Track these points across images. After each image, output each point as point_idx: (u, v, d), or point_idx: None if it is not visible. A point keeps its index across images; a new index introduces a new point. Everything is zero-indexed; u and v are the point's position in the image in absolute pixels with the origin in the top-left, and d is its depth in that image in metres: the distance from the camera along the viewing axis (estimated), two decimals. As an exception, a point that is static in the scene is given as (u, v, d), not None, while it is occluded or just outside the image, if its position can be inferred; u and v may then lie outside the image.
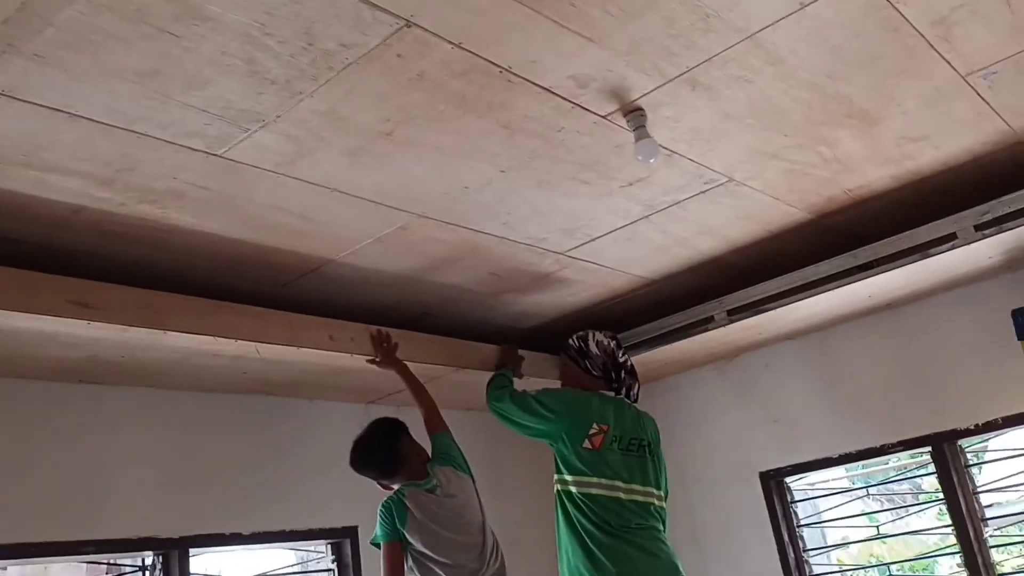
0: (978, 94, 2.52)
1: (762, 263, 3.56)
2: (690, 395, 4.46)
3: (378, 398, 3.91)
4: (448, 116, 2.23)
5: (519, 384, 3.65)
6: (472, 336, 3.74)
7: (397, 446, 3.12)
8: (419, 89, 2.10)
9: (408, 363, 3.33)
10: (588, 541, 3.08)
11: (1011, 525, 3.74)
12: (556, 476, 3.21)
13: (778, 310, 3.57)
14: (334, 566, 3.72)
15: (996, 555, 3.61)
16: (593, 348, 3.34)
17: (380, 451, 3.13)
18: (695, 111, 2.39)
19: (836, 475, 4.37)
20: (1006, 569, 3.64)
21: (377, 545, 2.97)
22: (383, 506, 3.00)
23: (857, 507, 4.22)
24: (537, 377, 3.93)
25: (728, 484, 4.26)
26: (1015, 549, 3.68)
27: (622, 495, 3.12)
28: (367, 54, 1.94)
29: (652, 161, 2.39)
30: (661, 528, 3.18)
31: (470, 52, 1.99)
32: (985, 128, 2.73)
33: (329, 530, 3.68)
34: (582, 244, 3.17)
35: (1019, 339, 3.31)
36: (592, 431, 3.16)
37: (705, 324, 3.74)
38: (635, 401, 3.32)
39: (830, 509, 4.24)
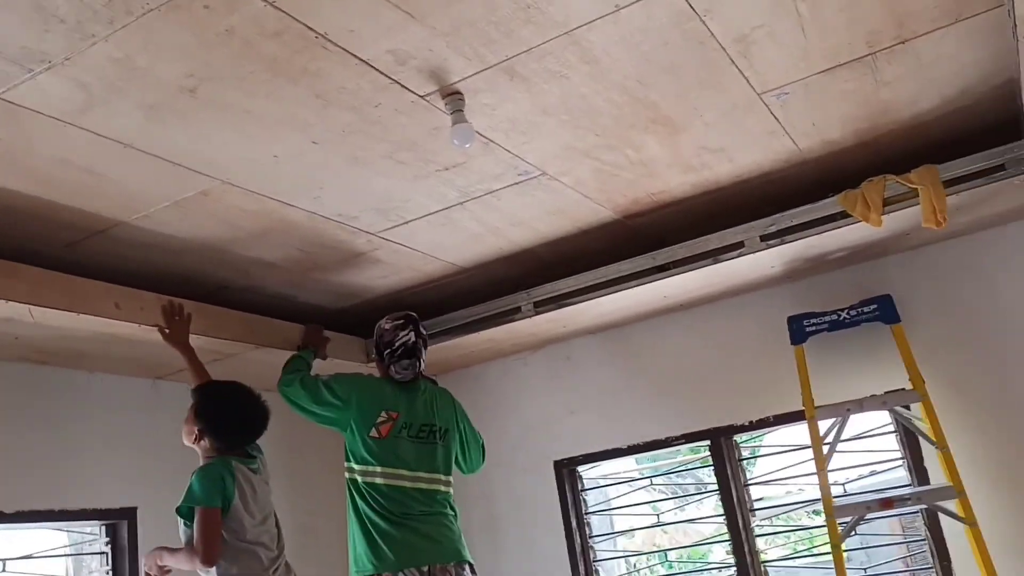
0: (771, 112, 2.70)
1: (570, 258, 3.67)
2: (496, 384, 4.53)
3: (168, 374, 3.70)
4: (259, 78, 2.13)
5: (322, 367, 3.57)
6: (275, 314, 3.61)
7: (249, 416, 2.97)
8: (227, 46, 1.99)
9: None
10: (372, 530, 3.09)
11: (776, 516, 4.05)
12: (345, 465, 3.19)
13: (582, 304, 3.68)
14: (108, 549, 3.49)
15: (761, 543, 3.91)
16: (376, 332, 3.33)
17: (240, 410, 2.97)
18: (512, 101, 2.41)
19: (630, 466, 4.59)
20: (769, 557, 3.95)
21: (185, 513, 2.73)
22: (210, 470, 2.79)
23: (643, 497, 4.44)
24: (344, 360, 3.86)
25: (525, 472, 4.37)
26: (778, 539, 4.01)
27: (406, 483, 3.14)
28: (170, 2, 1.81)
29: (468, 146, 2.40)
30: (448, 513, 3.21)
31: (284, 13, 1.91)
32: (775, 145, 2.94)
33: (104, 511, 3.44)
34: (396, 226, 3.14)
35: (792, 344, 3.59)
36: (380, 419, 3.17)
37: (512, 315, 3.80)
38: (416, 377, 3.31)
39: (618, 497, 4.45)
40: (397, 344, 3.27)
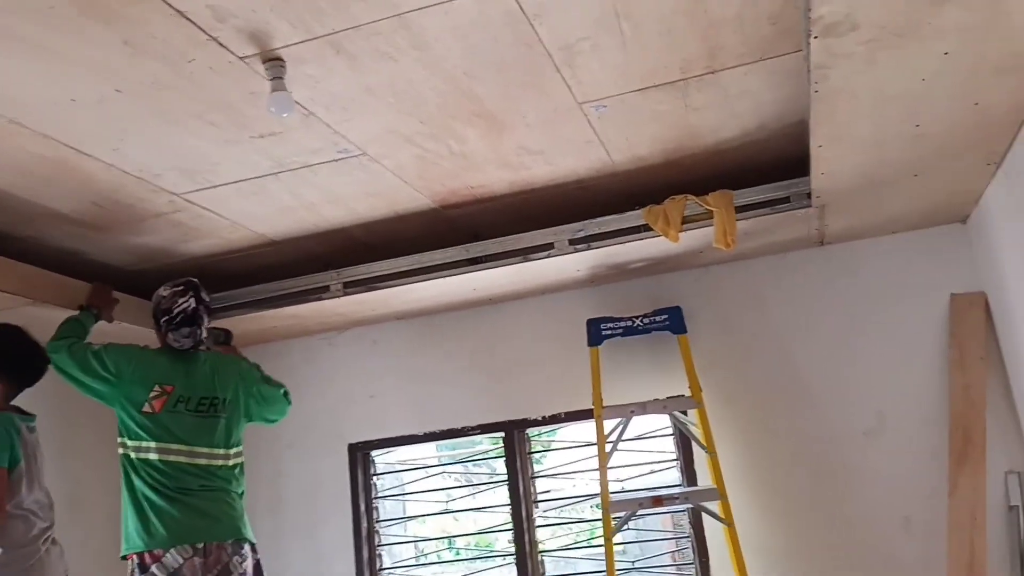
0: (589, 123, 2.81)
1: (384, 241, 3.65)
2: (297, 363, 4.43)
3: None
4: (62, 14, 1.97)
5: (109, 330, 3.37)
6: (62, 269, 3.35)
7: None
8: (27, -27, 1.83)
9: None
10: (144, 505, 2.99)
11: (558, 508, 4.22)
12: (118, 440, 3.06)
13: (392, 289, 3.68)
14: None
15: (541, 534, 4.07)
16: (154, 299, 3.22)
17: (23, 347, 2.71)
18: (337, 77, 2.37)
19: (429, 453, 4.63)
20: (548, 547, 4.10)
21: None
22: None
23: (437, 484, 4.48)
24: (136, 325, 3.64)
25: (318, 454, 4.31)
26: (559, 529, 4.18)
27: (183, 459, 3.05)
28: (-37, -86, 1.65)
29: (286, 116, 2.34)
30: (231, 489, 3.13)
31: (96, -52, 1.78)
32: (590, 155, 3.06)
33: None
34: (202, 189, 3.00)
35: (589, 346, 3.75)
36: (153, 393, 3.06)
37: (320, 293, 3.74)
38: (196, 346, 3.21)
39: (413, 482, 4.47)
40: (176, 311, 3.16)
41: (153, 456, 3.02)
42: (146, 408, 3.03)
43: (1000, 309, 3.36)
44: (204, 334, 3.24)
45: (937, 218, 3.55)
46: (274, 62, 2.24)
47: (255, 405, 3.30)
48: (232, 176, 2.93)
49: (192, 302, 3.17)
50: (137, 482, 3.02)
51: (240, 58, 2.22)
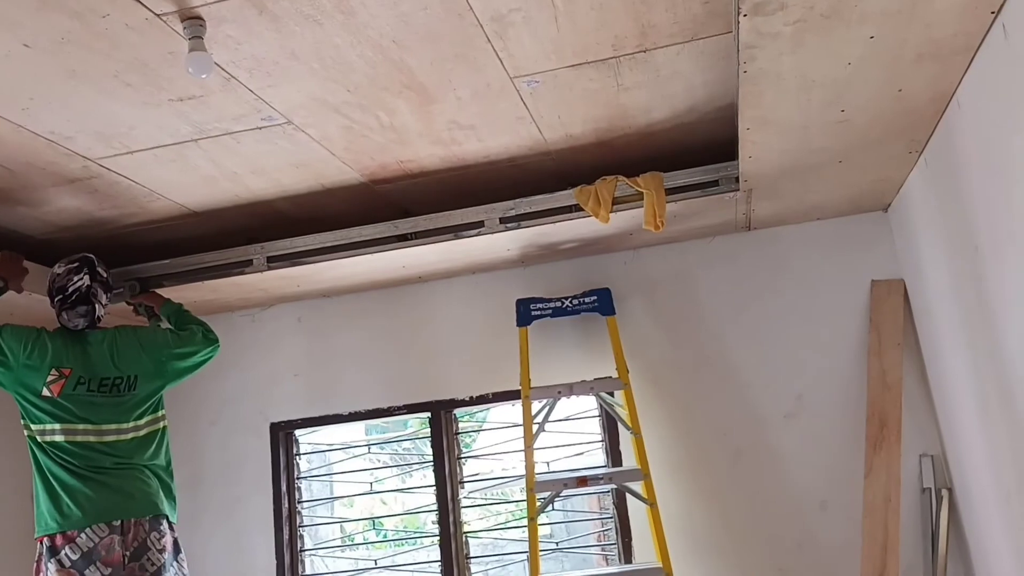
0: (521, 99, 2.78)
1: (310, 216, 3.57)
2: (220, 339, 4.30)
3: None
4: (-40, -42, 1.86)
5: (16, 302, 3.23)
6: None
7: None
8: (-80, -89, 1.71)
9: None
10: (56, 486, 2.93)
11: (485, 490, 4.21)
12: (22, 423, 2.98)
13: (318, 265, 3.60)
14: None
15: (467, 515, 4.05)
16: (49, 277, 3.13)
17: None
18: (260, 39, 2.29)
19: (357, 435, 4.56)
20: (473, 528, 4.09)
21: None
22: None
23: (364, 465, 4.43)
24: (44, 296, 3.49)
25: (239, 433, 4.21)
26: (483, 511, 4.17)
27: (92, 438, 2.99)
28: None
29: (204, 77, 2.25)
30: (146, 462, 3.06)
31: None
32: (522, 132, 3.03)
33: None
34: (118, 154, 2.88)
35: (518, 326, 3.74)
36: (51, 378, 2.99)
37: (243, 267, 3.63)
38: (92, 325, 3.11)
39: (340, 462, 4.40)
40: (71, 289, 3.07)
41: (59, 438, 2.95)
42: (45, 392, 2.95)
43: (918, 296, 3.45)
44: (102, 312, 3.14)
45: (860, 205, 3.62)
46: (193, 20, 2.14)
47: (173, 365, 3.22)
48: (150, 141, 2.81)
49: (86, 279, 3.07)
50: (47, 463, 2.94)
51: (157, 15, 2.12)
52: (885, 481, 3.38)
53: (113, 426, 3.02)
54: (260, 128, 2.79)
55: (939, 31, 2.16)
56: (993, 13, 2.08)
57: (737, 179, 3.15)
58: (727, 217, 3.58)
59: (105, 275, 3.19)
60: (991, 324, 2.58)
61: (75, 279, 3.07)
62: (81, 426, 2.96)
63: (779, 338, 3.71)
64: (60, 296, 3.07)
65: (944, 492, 3.36)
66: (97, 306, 3.12)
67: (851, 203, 3.57)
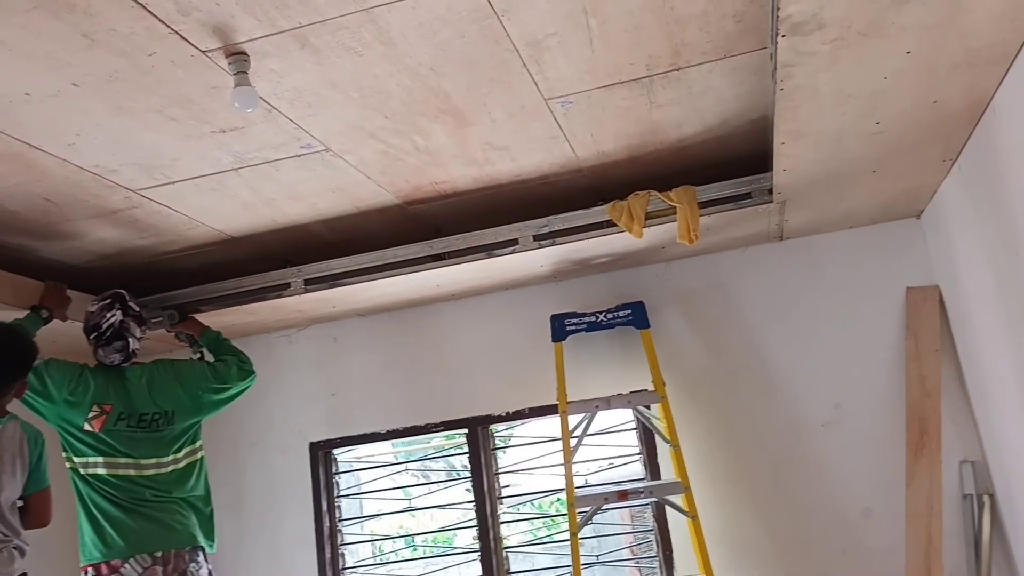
0: (555, 118, 2.81)
1: (346, 238, 3.61)
2: (258, 360, 4.26)
3: None
4: (14, 7, 1.91)
5: (60, 330, 3.29)
6: (13, 267, 3.26)
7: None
8: (-20, -37, 1.77)
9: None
10: (99, 517, 3.01)
11: (522, 504, 4.23)
12: (63, 455, 3.06)
13: (354, 286, 3.64)
14: None
15: (505, 530, 4.07)
16: (84, 315, 3.18)
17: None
18: (301, 71, 2.33)
19: (383, 450, 4.59)
20: (511, 543, 4.11)
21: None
22: (40, 436, 2.77)
23: (395, 482, 4.46)
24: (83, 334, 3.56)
25: (279, 452, 4.25)
26: (521, 525, 4.18)
27: (132, 472, 3.07)
28: (-87, -100, 1.58)
29: (250, 111, 2.29)
30: (184, 494, 3.12)
31: (53, -63, 1.72)
32: (555, 151, 3.05)
33: None
34: (160, 185, 2.93)
35: (553, 341, 3.76)
36: (92, 414, 3.07)
37: (281, 290, 3.67)
38: (127, 360, 3.17)
39: (371, 481, 4.44)
40: (104, 326, 3.14)
41: (102, 471, 3.03)
42: (87, 427, 3.03)
43: (954, 302, 3.44)
44: (137, 345, 3.20)
45: (893, 213, 3.62)
46: (238, 56, 2.19)
47: (208, 398, 3.27)
48: (191, 172, 2.87)
49: (119, 315, 3.14)
50: (90, 494, 3.02)
51: (203, 52, 2.17)
52: (927, 488, 3.36)
53: (153, 460, 3.09)
54: (299, 156, 2.84)
55: (976, 41, 2.17)
56: (1030, 23, 2.09)
57: (770, 191, 3.15)
58: (760, 228, 3.59)
59: (137, 309, 3.24)
60: (1034, 331, 2.58)
61: (107, 315, 3.13)
62: (123, 460, 3.03)
63: (816, 347, 3.70)
64: (95, 333, 3.14)
65: (986, 498, 3.34)
66: (131, 340, 3.17)
67: (884, 211, 3.57)
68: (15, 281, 3.21)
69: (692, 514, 3.43)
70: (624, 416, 3.97)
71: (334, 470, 4.27)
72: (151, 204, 3.07)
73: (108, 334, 3.13)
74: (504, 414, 4.03)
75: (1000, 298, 2.87)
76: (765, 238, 3.77)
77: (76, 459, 3.04)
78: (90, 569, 2.96)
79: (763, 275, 3.82)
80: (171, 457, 3.15)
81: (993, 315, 2.98)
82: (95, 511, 2.99)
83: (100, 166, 2.73)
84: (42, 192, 2.84)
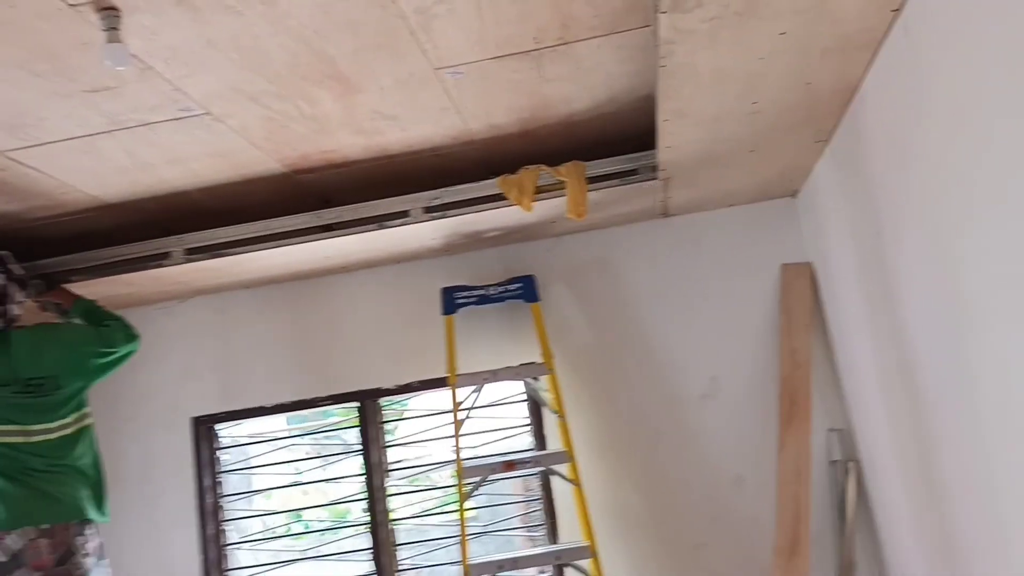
0: (445, 89, 2.79)
1: (230, 206, 3.51)
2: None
3: None
4: None
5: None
6: None
7: None
8: None
9: None
10: None
11: (412, 477, 4.23)
12: None
13: (239, 256, 3.54)
14: None
15: (395, 502, 4.07)
16: None
17: None
18: (177, 29, 2.24)
19: (277, 426, 4.52)
20: (400, 514, 4.10)
21: None
22: None
23: (284, 457, 4.39)
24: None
25: (158, 428, 4.12)
26: (413, 498, 4.19)
27: (20, 439, 2.94)
28: None
29: (122, 68, 2.20)
30: (74, 461, 3.02)
31: None
32: (446, 122, 3.04)
33: None
34: (29, 147, 2.78)
35: (443, 314, 3.76)
36: None
37: (161, 259, 3.55)
38: (7, 327, 3.04)
39: (258, 456, 4.36)
40: None
41: None
42: None
43: (825, 279, 3.61)
44: (17, 311, 3.05)
45: (770, 192, 3.76)
46: (108, 11, 2.09)
47: (94, 362, 3.17)
48: (61, 133, 2.73)
49: (1, 278, 2.98)
50: None
51: (71, 5, 2.06)
52: (796, 455, 3.53)
53: (41, 426, 2.97)
54: (178, 119, 2.74)
55: (844, 27, 2.27)
56: (894, 11, 2.19)
57: (655, 168, 3.23)
58: (646, 205, 3.68)
59: (20, 272, 3.08)
60: (892, 305, 2.73)
61: None
62: (9, 427, 2.90)
63: (695, 321, 3.83)
64: None
65: (851, 464, 3.54)
66: (13, 306, 3.02)
67: (762, 190, 3.71)
68: None
69: (576, 482, 3.51)
70: (514, 388, 4.02)
71: (217, 445, 4.17)
72: (18, 167, 2.91)
73: None
74: (394, 387, 4.02)
75: (863, 276, 3.03)
76: (650, 215, 3.86)
77: None
78: None
79: (648, 251, 3.92)
80: (59, 423, 3.03)
81: (857, 292, 3.15)
82: None
83: (-40, 124, 2.57)
84: None
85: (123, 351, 3.25)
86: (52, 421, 3.01)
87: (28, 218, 3.34)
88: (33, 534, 2.85)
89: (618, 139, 3.29)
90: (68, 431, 3.05)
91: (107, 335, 3.22)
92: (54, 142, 2.77)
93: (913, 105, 2.26)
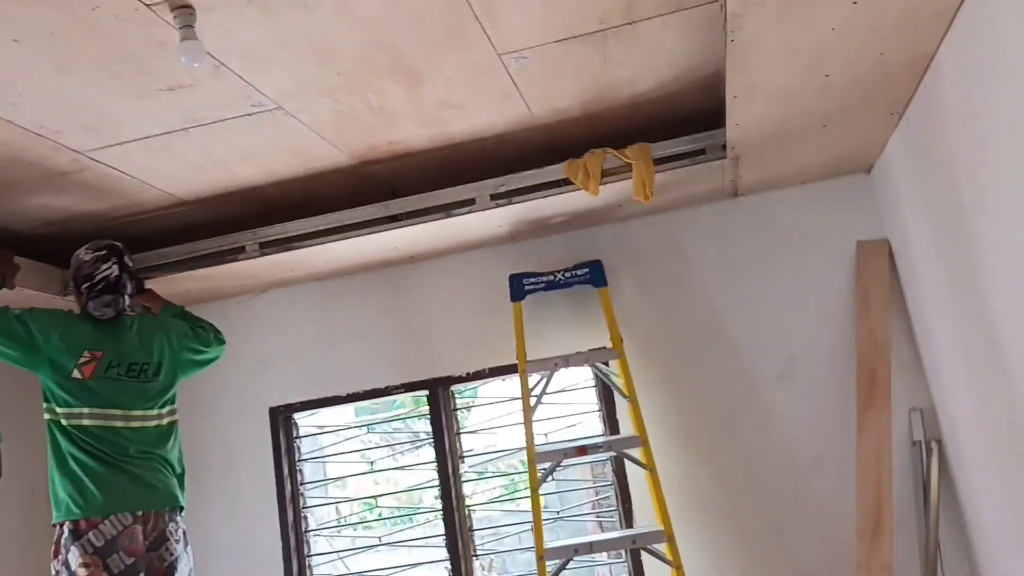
0: (509, 75, 2.80)
1: (300, 201, 3.57)
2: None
3: None
4: (-52, -44, 1.85)
5: (9, 297, 3.22)
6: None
7: None
8: (-91, -90, 1.70)
9: None
10: (78, 471, 2.93)
11: (484, 463, 4.26)
12: (45, 406, 2.98)
13: (310, 249, 3.61)
14: None
15: (468, 489, 4.10)
16: (73, 263, 3.13)
17: None
18: (250, 26, 2.29)
19: (348, 416, 4.59)
20: (474, 501, 4.14)
21: None
22: None
23: (358, 445, 4.45)
24: (38, 292, 3.51)
25: (238, 419, 4.22)
26: (483, 484, 4.23)
27: (119, 423, 2.99)
28: None
29: (197, 66, 2.25)
30: (166, 454, 3.10)
31: None
32: (510, 108, 3.04)
33: None
34: (108, 147, 2.87)
35: (512, 301, 3.78)
36: (83, 359, 2.99)
37: (236, 254, 3.64)
38: (119, 315, 3.14)
39: (333, 445, 4.44)
40: (98, 278, 3.06)
41: (87, 422, 2.95)
42: (75, 375, 2.95)
43: (902, 255, 3.52)
44: (128, 302, 3.15)
45: (844, 168, 3.67)
46: (183, 10, 2.14)
47: (188, 357, 3.27)
48: (139, 132, 2.81)
49: (115, 269, 3.08)
50: (69, 448, 2.93)
51: (147, 5, 2.12)
52: (876, 435, 3.46)
53: (139, 412, 3.04)
54: (250, 115, 2.80)
55: (920, -6, 2.20)
56: (973, -25, 2.12)
57: (724, 147, 3.19)
58: (714, 185, 3.63)
59: (132, 265, 3.19)
60: (977, 281, 2.65)
61: (103, 267, 3.07)
62: (110, 410, 2.97)
63: (769, 301, 3.76)
64: (87, 284, 3.06)
65: (934, 444, 3.45)
66: (125, 297, 3.12)
67: (835, 166, 3.63)
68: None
69: (650, 467, 3.49)
70: (584, 374, 4.01)
71: (295, 435, 4.26)
72: (99, 166, 3.01)
73: (101, 287, 3.06)
74: (465, 375, 4.05)
75: (944, 252, 2.94)
76: (720, 195, 3.81)
77: (60, 409, 2.94)
78: (67, 525, 2.87)
79: (717, 232, 3.86)
80: (156, 412, 3.10)
81: (938, 267, 3.06)
82: (74, 466, 2.91)
83: (45, 127, 2.67)
84: (-15, 155, 2.77)
85: (213, 353, 3.36)
86: (150, 409, 3.09)
87: (108, 217, 3.45)
88: (128, 520, 2.90)
89: (684, 119, 3.25)
90: (163, 422, 3.13)
91: (202, 335, 3.33)
92: (132, 141, 2.86)
93: (990, 75, 2.19)
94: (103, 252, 3.10)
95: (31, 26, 2.14)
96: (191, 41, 2.16)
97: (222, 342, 3.39)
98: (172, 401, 3.21)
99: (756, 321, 3.77)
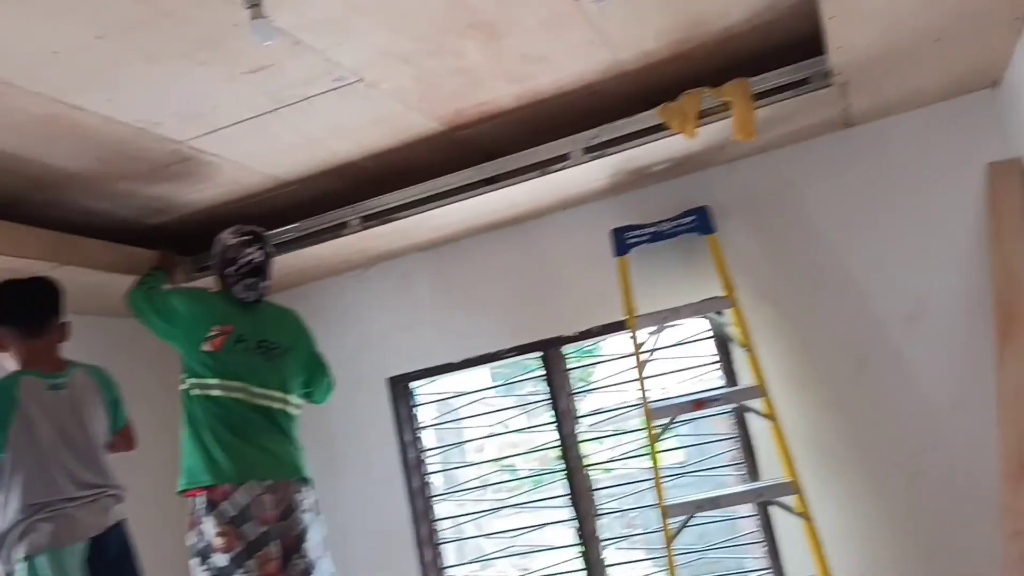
0: (589, 20, 2.69)
1: (397, 171, 3.59)
2: (331, 302, 4.42)
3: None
4: (25, -40, 1.92)
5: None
6: (89, 231, 3.40)
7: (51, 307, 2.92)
8: (-20, -81, 1.77)
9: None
10: (207, 441, 3.06)
11: (602, 422, 4.21)
12: (182, 376, 3.15)
13: (410, 219, 3.63)
14: None
15: (587, 448, 4.06)
16: (218, 246, 3.27)
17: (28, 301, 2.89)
18: (320, -1, 2.29)
19: (483, 380, 4.63)
20: (593, 460, 4.10)
21: None
22: (109, 377, 3.00)
23: (483, 409, 4.47)
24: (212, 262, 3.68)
25: (359, 389, 4.32)
26: (603, 443, 4.17)
27: (244, 396, 3.11)
28: None
29: (269, 44, 2.26)
30: (291, 433, 3.21)
31: None
32: (595, 56, 2.93)
33: None
34: (206, 134, 2.96)
35: (615, 256, 3.69)
36: (213, 332, 3.12)
37: (339, 230, 3.70)
38: (259, 299, 3.25)
39: (457, 409, 4.48)
40: (242, 262, 3.21)
41: (216, 392, 3.08)
42: (205, 347, 3.09)
43: (1041, 174, 3.21)
44: (268, 285, 3.27)
45: (966, 85, 3.37)
46: (250, -13, 2.16)
47: (308, 368, 3.39)
48: (232, 117, 2.88)
49: (260, 254, 3.22)
50: (202, 417, 3.07)
51: (216, -13, 2.15)
52: (1017, 371, 3.18)
53: (264, 390, 3.15)
54: (334, 89, 2.81)
55: None
56: None
57: (828, 74, 2.98)
58: (823, 116, 3.40)
59: (274, 251, 3.33)
60: (1125, 192, 2.37)
61: (247, 251, 3.21)
62: (236, 383, 3.09)
63: (892, 237, 3.52)
64: (230, 267, 3.20)
65: (1087, 378, 3.15)
66: (267, 281, 3.25)
67: (956, 84, 3.33)
68: (82, 244, 3.33)
69: (772, 417, 3.35)
70: (701, 326, 3.88)
71: (412, 403, 4.34)
72: (201, 155, 3.11)
73: (246, 270, 3.20)
74: (575, 334, 3.99)
75: (1088, 162, 2.65)
76: (831, 127, 3.57)
77: (192, 380, 3.09)
78: (199, 492, 3.00)
79: (831, 167, 3.63)
80: (281, 395, 3.19)
81: (1082, 182, 2.76)
82: (206, 435, 3.03)
83: (143, 119, 2.77)
84: (92, 151, 2.90)
85: (319, 395, 3.48)
86: (278, 390, 3.19)
87: (213, 203, 3.57)
88: (258, 489, 3.01)
89: (782, 49, 3.05)
90: (288, 407, 3.22)
91: (326, 370, 3.52)
92: (227, 127, 2.93)
93: None
94: (248, 237, 3.23)
95: (112, 21, 2.20)
96: (260, 20, 2.17)
97: (332, 387, 3.55)
98: (297, 392, 3.30)
99: (879, 259, 3.54)
